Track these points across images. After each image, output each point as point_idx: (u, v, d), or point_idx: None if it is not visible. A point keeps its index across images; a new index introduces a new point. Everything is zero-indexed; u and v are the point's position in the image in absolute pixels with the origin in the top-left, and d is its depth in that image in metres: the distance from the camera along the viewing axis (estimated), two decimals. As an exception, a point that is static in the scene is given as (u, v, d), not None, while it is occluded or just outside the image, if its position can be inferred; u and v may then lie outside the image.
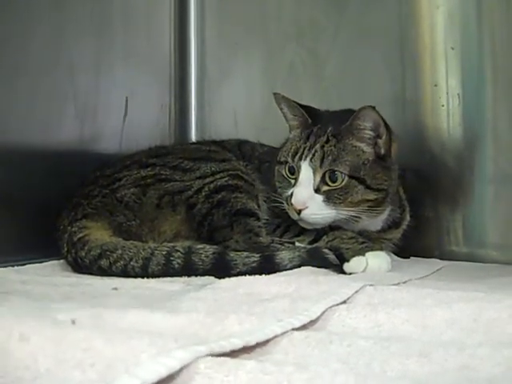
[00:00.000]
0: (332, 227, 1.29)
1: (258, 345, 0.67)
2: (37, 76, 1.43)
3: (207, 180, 1.35)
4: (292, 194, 1.27)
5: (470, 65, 1.56)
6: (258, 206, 1.36)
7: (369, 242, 1.27)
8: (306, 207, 1.25)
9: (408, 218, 1.45)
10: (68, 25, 1.52)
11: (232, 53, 1.92)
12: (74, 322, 0.70)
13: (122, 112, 1.69)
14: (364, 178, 1.26)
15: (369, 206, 1.28)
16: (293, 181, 1.30)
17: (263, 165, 1.49)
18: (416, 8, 1.65)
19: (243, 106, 1.90)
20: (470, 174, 1.54)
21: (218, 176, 1.35)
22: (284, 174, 1.32)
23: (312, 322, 0.78)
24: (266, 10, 1.88)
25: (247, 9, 1.91)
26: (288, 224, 1.34)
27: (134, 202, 1.32)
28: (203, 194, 1.33)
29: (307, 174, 1.26)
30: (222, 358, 0.58)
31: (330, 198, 1.25)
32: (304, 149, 1.28)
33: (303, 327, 0.75)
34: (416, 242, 1.50)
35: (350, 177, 1.25)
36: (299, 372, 0.56)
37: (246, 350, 0.65)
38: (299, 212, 1.26)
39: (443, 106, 1.57)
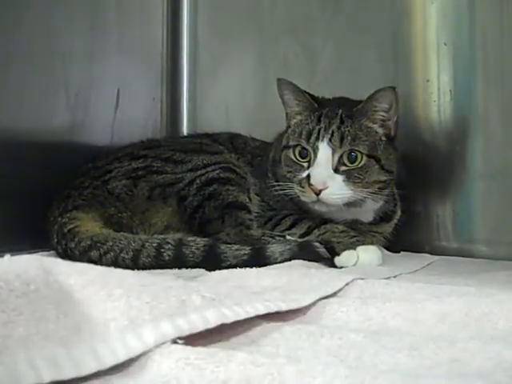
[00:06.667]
0: (324, 220, 1.29)
1: (249, 336, 0.67)
2: (28, 66, 1.42)
3: (199, 172, 1.34)
4: (309, 176, 1.26)
5: (462, 61, 1.56)
6: (250, 199, 1.35)
7: (360, 235, 1.28)
8: (327, 187, 1.24)
9: (399, 212, 1.45)
10: (60, 14, 1.51)
11: (225, 45, 1.92)
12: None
13: (113, 104, 1.68)
14: (380, 158, 1.27)
15: (379, 188, 1.29)
16: (305, 164, 1.29)
17: (255, 159, 1.49)
18: (409, 3, 1.65)
19: (235, 99, 1.90)
20: (461, 169, 1.55)
21: (209, 168, 1.35)
22: (293, 157, 1.31)
23: (303, 315, 0.78)
24: (260, 2, 1.87)
25: (241, 1, 1.90)
26: (279, 217, 1.35)
27: (125, 194, 1.31)
28: (195, 186, 1.32)
29: (326, 155, 1.26)
30: (213, 349, 0.58)
31: (349, 177, 1.25)
32: (319, 130, 1.28)
33: (294, 320, 0.75)
34: (406, 236, 1.51)
35: (368, 156, 1.26)
36: (290, 364, 0.55)
37: (235, 340, 0.65)
38: (319, 192, 1.25)
39: (435, 101, 1.57)
